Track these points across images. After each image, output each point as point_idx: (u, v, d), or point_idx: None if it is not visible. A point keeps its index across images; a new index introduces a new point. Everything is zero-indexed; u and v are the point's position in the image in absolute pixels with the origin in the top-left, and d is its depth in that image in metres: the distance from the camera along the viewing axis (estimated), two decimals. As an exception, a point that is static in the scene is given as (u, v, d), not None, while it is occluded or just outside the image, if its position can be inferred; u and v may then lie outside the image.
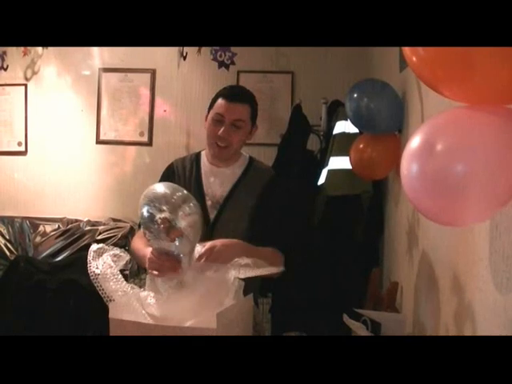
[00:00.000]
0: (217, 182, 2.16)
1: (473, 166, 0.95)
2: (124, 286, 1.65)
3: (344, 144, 2.99)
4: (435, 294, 1.77)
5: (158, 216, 1.71)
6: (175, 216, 1.72)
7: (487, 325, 1.27)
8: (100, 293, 1.64)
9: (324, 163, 3.27)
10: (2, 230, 4.39)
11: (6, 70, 4.63)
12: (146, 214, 1.73)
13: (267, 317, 3.29)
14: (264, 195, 2.12)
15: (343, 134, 3.14)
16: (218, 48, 4.47)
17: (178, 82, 4.54)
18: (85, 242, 4.27)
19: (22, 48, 4.55)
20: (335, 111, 3.41)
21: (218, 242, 1.85)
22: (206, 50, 4.46)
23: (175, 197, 1.77)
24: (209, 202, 2.13)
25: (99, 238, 4.27)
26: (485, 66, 0.89)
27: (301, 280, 3.04)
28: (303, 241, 2.93)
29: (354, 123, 2.69)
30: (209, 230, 2.09)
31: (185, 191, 1.83)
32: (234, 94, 2.12)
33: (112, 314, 1.61)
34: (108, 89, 4.58)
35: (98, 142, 4.61)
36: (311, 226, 3.21)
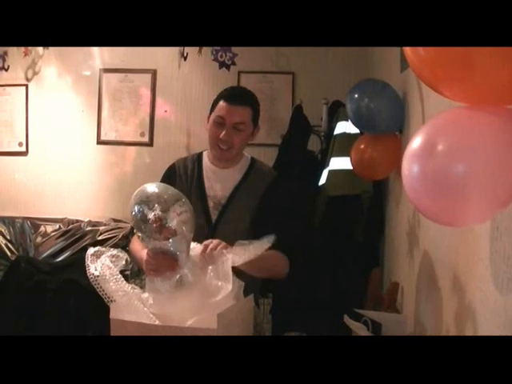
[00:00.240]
0: (219, 183, 2.15)
1: (473, 166, 0.95)
2: (124, 286, 1.66)
3: (345, 144, 2.99)
4: (436, 295, 1.77)
5: (150, 215, 1.70)
6: (167, 215, 1.72)
7: (488, 325, 1.27)
8: (100, 294, 1.64)
9: (325, 164, 3.27)
10: (3, 231, 4.39)
11: (6, 70, 4.64)
12: (137, 213, 1.73)
13: (268, 317, 3.28)
14: (266, 197, 2.11)
15: (344, 135, 3.14)
16: (218, 48, 4.47)
17: (178, 82, 4.54)
18: (86, 243, 4.27)
19: (23, 48, 4.55)
20: (336, 112, 3.41)
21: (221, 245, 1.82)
22: (206, 50, 4.46)
23: (166, 196, 1.76)
24: (211, 203, 2.13)
25: (100, 238, 4.27)
26: (485, 66, 0.89)
27: (301, 280, 3.03)
28: (304, 241, 2.93)
29: (355, 123, 2.69)
30: (210, 231, 2.09)
31: (175, 190, 1.82)
32: (236, 96, 2.10)
33: (113, 315, 1.61)
34: (109, 89, 4.59)
35: (99, 142, 4.61)
36: (312, 226, 3.21)
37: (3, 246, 4.32)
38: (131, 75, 4.56)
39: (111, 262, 1.68)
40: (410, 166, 1.03)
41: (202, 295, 1.66)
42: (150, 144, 4.57)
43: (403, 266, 2.49)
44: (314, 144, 3.78)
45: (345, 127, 3.14)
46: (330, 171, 3.16)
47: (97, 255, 1.70)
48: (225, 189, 2.14)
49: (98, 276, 1.64)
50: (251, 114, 2.09)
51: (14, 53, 4.59)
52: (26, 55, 4.58)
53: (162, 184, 1.86)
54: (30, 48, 4.55)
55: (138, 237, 1.81)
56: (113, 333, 1.61)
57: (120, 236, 4.22)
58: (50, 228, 4.43)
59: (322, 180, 3.24)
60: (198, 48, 4.42)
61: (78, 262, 3.79)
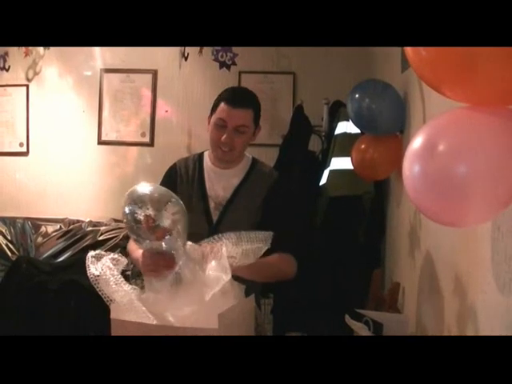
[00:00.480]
0: (220, 183, 2.15)
1: (474, 166, 0.95)
2: (124, 286, 1.65)
3: (345, 145, 2.99)
4: (437, 295, 1.77)
5: (142, 215, 1.70)
6: (160, 214, 1.71)
7: (489, 326, 1.27)
8: (100, 294, 1.64)
9: (326, 164, 3.27)
10: (4, 231, 4.40)
11: (7, 70, 4.64)
12: (129, 215, 1.72)
13: (269, 317, 3.28)
14: (268, 198, 2.11)
15: (345, 135, 3.14)
16: (219, 48, 4.47)
17: (179, 82, 4.54)
18: (86, 243, 4.27)
19: (24, 49, 4.55)
20: (337, 112, 3.41)
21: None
22: (207, 50, 4.46)
23: (158, 196, 1.75)
24: (212, 204, 2.12)
25: (101, 238, 4.27)
26: (487, 66, 0.89)
27: (302, 281, 3.03)
28: (306, 241, 2.93)
29: (356, 124, 2.69)
30: (211, 232, 2.08)
31: (167, 190, 1.82)
32: (237, 98, 2.09)
33: (113, 315, 1.61)
34: (109, 89, 4.59)
35: (100, 142, 4.61)
36: (313, 227, 3.21)
37: (4, 246, 4.32)
38: (132, 75, 4.56)
39: (112, 264, 1.67)
40: (411, 167, 1.03)
41: (201, 289, 1.65)
42: (151, 144, 4.57)
43: (404, 266, 2.49)
44: (314, 144, 3.78)
45: (345, 127, 3.14)
46: (330, 171, 3.16)
47: (97, 258, 1.70)
48: (226, 189, 2.14)
49: (98, 276, 1.64)
50: (252, 116, 2.09)
51: (15, 53, 4.60)
52: (26, 55, 4.58)
53: (153, 184, 1.84)
54: (30, 48, 4.55)
55: (134, 240, 1.80)
56: (113, 333, 1.61)
57: (121, 236, 4.22)
58: (50, 228, 4.43)
59: (323, 180, 3.23)
60: (198, 48, 4.42)
61: (78, 263, 3.79)
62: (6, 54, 4.61)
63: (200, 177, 2.17)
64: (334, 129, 3.31)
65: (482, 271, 1.30)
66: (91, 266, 1.66)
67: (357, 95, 2.51)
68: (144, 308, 1.62)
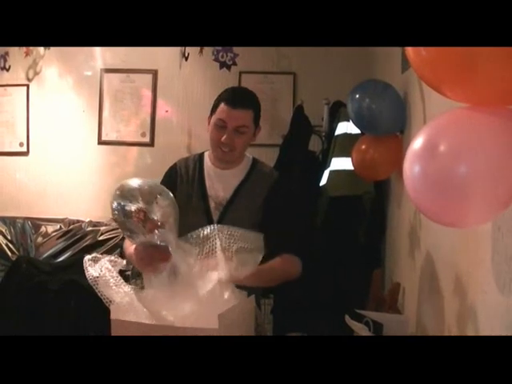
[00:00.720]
0: (220, 183, 2.15)
1: (475, 166, 0.95)
2: (124, 288, 1.65)
3: (346, 145, 2.99)
4: (437, 295, 1.77)
5: (132, 208, 1.69)
6: (150, 207, 1.71)
7: (489, 326, 1.27)
8: (100, 295, 1.64)
9: (326, 164, 3.27)
10: (4, 231, 4.39)
11: (8, 70, 4.64)
12: (118, 209, 1.72)
13: (269, 318, 3.28)
14: (269, 198, 2.10)
15: (345, 135, 3.14)
16: (219, 48, 4.47)
17: (179, 82, 4.54)
18: (86, 243, 4.27)
19: (24, 48, 4.55)
20: (337, 112, 3.41)
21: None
22: (207, 50, 4.46)
23: (148, 189, 1.75)
24: (212, 204, 2.12)
25: (101, 238, 4.27)
26: (487, 66, 0.89)
27: (303, 281, 3.03)
28: (306, 242, 2.93)
29: (356, 124, 2.69)
30: (212, 232, 2.09)
31: (157, 183, 1.81)
32: (237, 98, 2.08)
33: (113, 316, 1.61)
34: (110, 89, 4.59)
35: (100, 142, 4.61)
36: (313, 227, 3.21)
37: (4, 246, 4.32)
38: (132, 75, 4.56)
39: (110, 265, 1.67)
40: (411, 167, 1.03)
41: (198, 286, 1.65)
42: (151, 144, 4.57)
43: (405, 266, 2.48)
44: (315, 144, 3.78)
45: (346, 127, 3.14)
46: (331, 171, 3.16)
47: (94, 260, 1.70)
48: (226, 189, 2.14)
49: (97, 277, 1.64)
50: (252, 116, 2.08)
51: (15, 53, 4.60)
52: (27, 55, 4.58)
53: (142, 179, 1.84)
54: (31, 48, 4.55)
55: (127, 236, 1.79)
56: (113, 333, 1.61)
57: (121, 236, 4.21)
58: (50, 228, 4.43)
59: (323, 180, 3.23)
60: (199, 48, 4.42)
61: (78, 263, 3.79)
62: (7, 53, 4.61)
63: (200, 177, 2.17)
64: (334, 129, 3.31)
65: (483, 271, 1.30)
66: (89, 268, 1.66)
67: (357, 95, 2.51)
68: (144, 309, 1.62)
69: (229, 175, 2.15)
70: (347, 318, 1.91)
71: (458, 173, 0.95)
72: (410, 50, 0.99)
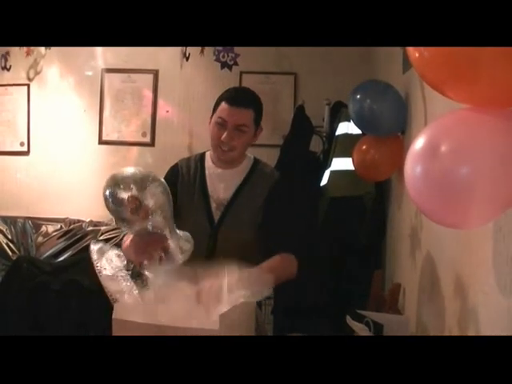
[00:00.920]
0: (221, 183, 2.15)
1: (476, 167, 0.95)
2: (131, 286, 1.65)
3: (347, 145, 2.99)
4: (438, 296, 1.77)
5: (125, 195, 1.68)
6: (143, 194, 1.70)
7: (490, 327, 1.27)
8: (106, 292, 1.63)
9: (327, 164, 3.27)
10: (5, 230, 4.40)
11: (8, 70, 4.64)
12: (110, 197, 1.71)
13: (269, 318, 3.28)
14: (270, 198, 2.10)
15: (346, 135, 3.14)
16: (220, 49, 4.47)
17: (180, 82, 4.54)
18: (87, 243, 4.26)
19: (25, 48, 4.56)
20: (338, 112, 3.41)
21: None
22: (208, 50, 4.46)
23: (141, 176, 1.74)
24: (213, 204, 2.12)
25: (101, 238, 4.26)
26: (490, 66, 0.88)
27: (303, 281, 3.03)
28: (307, 242, 2.93)
29: (357, 125, 2.69)
30: (213, 232, 2.09)
31: (150, 171, 1.81)
32: (238, 97, 2.08)
33: (117, 315, 1.61)
34: (111, 89, 4.59)
35: (101, 142, 4.61)
36: (314, 227, 3.21)
37: (4, 245, 4.32)
38: (133, 75, 4.56)
39: (120, 261, 1.67)
40: (412, 167, 1.03)
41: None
42: (152, 144, 4.58)
43: (405, 267, 2.48)
44: (315, 145, 3.78)
45: (347, 128, 3.14)
46: (331, 172, 3.16)
47: (101, 252, 1.70)
48: (227, 189, 2.14)
49: (108, 275, 1.64)
50: (253, 116, 2.08)
51: (16, 52, 4.60)
52: (28, 55, 4.58)
53: (134, 167, 1.83)
54: (31, 48, 4.55)
55: (121, 225, 1.78)
56: (115, 333, 1.60)
57: (121, 236, 4.19)
58: (51, 228, 4.43)
59: (324, 181, 3.23)
60: (200, 48, 4.42)
61: (80, 263, 3.79)
62: (8, 53, 4.62)
63: (201, 177, 2.17)
64: (335, 129, 3.31)
65: (483, 272, 1.30)
66: (98, 261, 1.65)
67: (358, 96, 2.51)
68: (150, 308, 1.62)
69: (230, 175, 2.15)
70: (348, 319, 1.91)
71: (459, 174, 0.95)
72: (411, 50, 0.99)
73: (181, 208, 2.06)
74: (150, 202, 1.69)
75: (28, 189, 4.64)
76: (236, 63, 4.48)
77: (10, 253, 4.28)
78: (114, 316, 1.60)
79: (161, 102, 4.58)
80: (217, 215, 2.11)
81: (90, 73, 4.60)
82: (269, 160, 3.08)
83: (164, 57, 4.49)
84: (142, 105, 4.57)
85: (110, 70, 4.57)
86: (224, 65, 4.48)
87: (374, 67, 3.94)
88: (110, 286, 1.64)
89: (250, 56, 4.42)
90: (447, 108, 1.32)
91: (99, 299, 1.64)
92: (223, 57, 4.48)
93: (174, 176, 2.20)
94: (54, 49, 4.54)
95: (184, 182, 2.16)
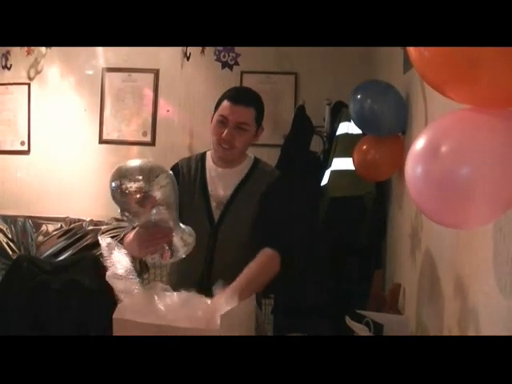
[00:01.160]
0: (221, 183, 2.15)
1: (477, 168, 0.95)
2: (138, 287, 1.65)
3: (347, 145, 2.99)
4: (438, 296, 1.77)
5: (131, 186, 1.68)
6: (149, 185, 1.70)
7: (491, 327, 1.27)
8: (115, 291, 1.63)
9: (327, 164, 3.27)
10: (5, 229, 4.39)
11: (9, 69, 4.64)
12: (116, 189, 1.71)
13: (269, 318, 3.28)
14: (265, 196, 2.11)
15: (346, 135, 3.14)
16: (221, 48, 4.47)
17: (181, 82, 4.54)
18: (87, 242, 4.26)
19: (26, 47, 4.56)
20: (339, 112, 3.41)
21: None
22: (209, 50, 4.47)
23: (148, 167, 1.75)
24: (213, 203, 2.13)
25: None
26: (490, 67, 0.88)
27: (303, 281, 3.03)
28: (306, 242, 2.93)
29: (358, 125, 2.68)
30: (213, 231, 2.09)
31: (159, 164, 1.81)
32: (239, 96, 2.10)
33: (116, 315, 1.61)
34: (111, 89, 4.59)
35: (101, 141, 4.62)
36: (314, 227, 3.21)
37: (5, 244, 4.32)
38: (134, 75, 4.56)
39: (130, 262, 1.68)
40: (413, 168, 1.03)
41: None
42: (153, 144, 4.58)
43: (405, 267, 2.48)
44: (316, 145, 3.78)
45: (347, 128, 3.14)
46: (332, 172, 3.16)
47: (110, 248, 1.70)
48: (226, 188, 2.14)
49: (121, 275, 1.64)
50: (254, 115, 2.09)
51: (17, 52, 4.60)
52: (28, 54, 4.58)
53: (142, 159, 1.83)
54: (32, 47, 4.55)
55: (127, 219, 1.78)
56: (115, 332, 1.60)
57: (122, 235, 4.20)
58: (51, 227, 4.43)
59: (324, 181, 3.23)
60: (200, 48, 4.43)
61: (80, 262, 3.79)
62: (8, 52, 4.62)
63: (202, 176, 2.18)
64: (335, 129, 3.31)
65: (484, 272, 1.30)
66: (107, 259, 1.65)
67: (359, 96, 2.51)
68: (149, 308, 1.62)
69: (229, 174, 2.16)
70: (348, 319, 1.91)
71: (459, 174, 0.95)
72: (411, 50, 0.99)
73: (181, 207, 2.06)
74: (157, 194, 1.70)
75: (28, 188, 4.64)
76: (237, 63, 4.48)
77: (11, 252, 4.27)
78: (114, 315, 1.60)
79: (161, 102, 4.58)
80: (217, 214, 2.11)
81: (90, 72, 4.60)
82: (269, 160, 3.09)
83: (165, 56, 4.50)
84: (142, 104, 4.58)
85: (110, 70, 4.58)
86: (225, 64, 4.49)
87: (375, 67, 3.94)
88: (116, 285, 1.64)
89: (250, 56, 4.42)
90: (448, 108, 1.32)
91: (99, 299, 1.64)
92: (224, 57, 4.48)
93: (174, 175, 2.20)
94: (54, 48, 4.54)
95: (184, 181, 2.17)
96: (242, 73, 4.47)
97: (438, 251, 1.87)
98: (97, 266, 3.32)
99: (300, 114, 3.74)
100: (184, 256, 1.85)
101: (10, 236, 4.38)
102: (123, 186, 1.68)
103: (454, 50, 0.89)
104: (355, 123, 2.69)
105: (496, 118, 0.96)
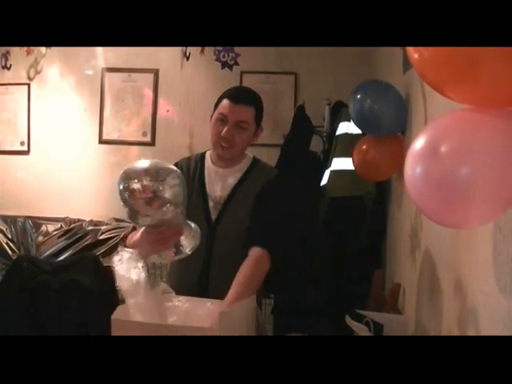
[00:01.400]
0: (219, 182, 2.15)
1: (477, 168, 0.95)
2: (144, 288, 1.65)
3: (347, 145, 2.99)
4: (438, 296, 1.77)
5: (138, 186, 1.69)
6: (157, 185, 1.71)
7: (490, 327, 1.27)
8: (123, 293, 1.64)
9: (327, 164, 3.27)
10: (5, 229, 4.40)
11: (9, 69, 4.65)
12: (124, 190, 1.71)
13: (269, 318, 3.28)
14: (258, 195, 2.11)
15: (346, 135, 3.14)
16: (221, 48, 4.47)
17: (181, 82, 4.55)
18: (87, 242, 4.27)
19: (26, 47, 4.56)
20: (338, 112, 3.41)
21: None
22: (209, 50, 4.47)
23: (157, 167, 1.75)
24: (211, 203, 2.13)
25: (101, 237, 4.27)
26: (490, 67, 0.88)
27: (303, 281, 3.03)
28: (305, 241, 2.93)
29: (357, 125, 2.68)
30: (211, 231, 2.09)
31: (166, 164, 1.82)
32: (239, 95, 2.10)
33: (116, 315, 1.61)
34: (111, 89, 4.59)
35: (101, 141, 4.62)
36: (314, 227, 3.21)
37: (4, 244, 4.32)
38: (134, 75, 4.57)
39: (140, 265, 1.68)
40: (413, 168, 1.03)
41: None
42: (152, 144, 4.58)
43: (405, 267, 2.48)
44: (316, 145, 3.78)
45: (347, 128, 3.14)
46: (331, 172, 3.16)
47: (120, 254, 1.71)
48: (224, 188, 2.14)
49: (136, 280, 1.64)
50: (254, 114, 2.09)
51: (17, 52, 4.60)
52: (28, 54, 4.59)
53: (152, 160, 1.83)
54: (32, 47, 4.56)
55: (132, 219, 1.79)
56: (114, 333, 1.60)
57: (121, 236, 4.21)
58: (51, 227, 4.44)
59: (324, 181, 3.23)
60: (200, 48, 4.43)
61: (80, 262, 3.79)
62: (8, 52, 4.62)
63: (201, 176, 2.18)
64: (335, 129, 3.31)
65: (483, 272, 1.30)
66: (118, 264, 1.65)
67: (358, 96, 2.51)
68: (149, 308, 1.62)
69: (228, 174, 2.16)
70: (347, 318, 1.91)
71: (459, 174, 0.95)
72: (411, 50, 0.99)
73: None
74: (167, 194, 1.71)
75: (28, 188, 4.65)
76: (236, 63, 4.48)
77: (10, 252, 4.28)
78: (113, 316, 1.60)
79: (161, 102, 4.58)
80: (214, 214, 2.11)
81: (90, 72, 4.61)
82: (269, 159, 3.09)
83: (164, 56, 4.50)
84: (142, 104, 4.58)
85: (110, 70, 4.58)
86: (224, 64, 4.49)
87: (375, 67, 3.94)
88: (122, 286, 1.64)
89: (250, 56, 4.43)
90: (448, 108, 1.32)
91: (99, 299, 1.64)
92: (223, 56, 4.48)
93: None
94: (54, 48, 4.55)
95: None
96: (242, 73, 4.47)
97: (437, 251, 1.87)
98: (97, 266, 3.32)
99: (300, 113, 3.74)
100: (190, 253, 1.86)
101: (9, 236, 4.38)
102: (130, 186, 1.69)
103: (454, 50, 0.89)
104: (355, 123, 2.69)
105: (496, 117, 0.96)
